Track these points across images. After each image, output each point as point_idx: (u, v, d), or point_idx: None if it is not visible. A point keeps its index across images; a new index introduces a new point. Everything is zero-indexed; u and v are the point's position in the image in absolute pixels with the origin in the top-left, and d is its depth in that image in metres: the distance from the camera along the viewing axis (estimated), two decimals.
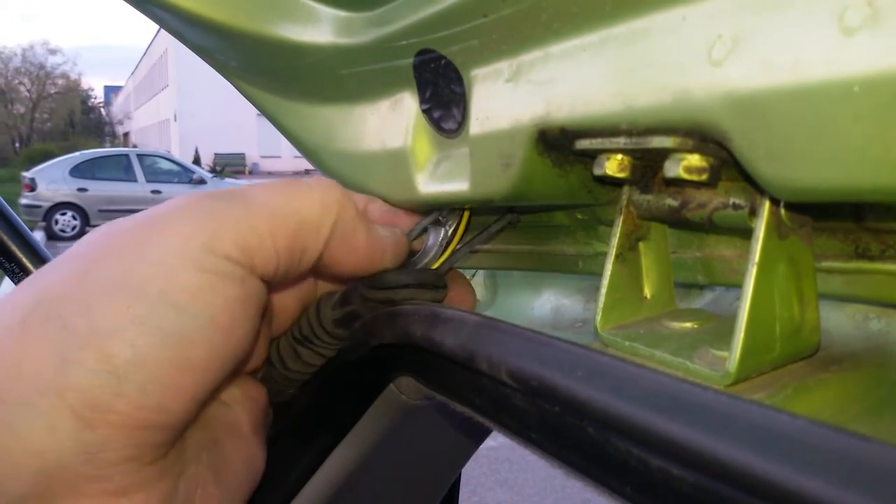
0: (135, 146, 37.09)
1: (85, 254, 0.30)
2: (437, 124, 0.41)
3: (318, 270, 0.36)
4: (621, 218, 0.36)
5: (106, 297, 0.28)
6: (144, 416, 0.28)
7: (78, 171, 12.35)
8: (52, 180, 12.17)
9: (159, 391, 0.28)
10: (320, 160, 0.52)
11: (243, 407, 0.37)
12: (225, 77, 0.55)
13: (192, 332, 0.29)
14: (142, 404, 0.28)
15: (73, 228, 11.99)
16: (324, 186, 0.35)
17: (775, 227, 0.29)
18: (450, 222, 0.43)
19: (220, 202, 0.31)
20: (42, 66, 46.72)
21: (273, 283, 0.34)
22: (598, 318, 0.36)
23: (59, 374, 0.27)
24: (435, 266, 0.42)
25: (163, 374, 0.28)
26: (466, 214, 0.44)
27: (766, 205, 0.29)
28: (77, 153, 13.57)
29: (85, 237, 0.32)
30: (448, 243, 0.43)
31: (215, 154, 29.98)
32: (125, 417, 0.28)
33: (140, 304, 0.28)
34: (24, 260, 0.72)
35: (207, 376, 0.30)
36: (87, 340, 0.27)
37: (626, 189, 0.36)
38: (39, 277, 0.30)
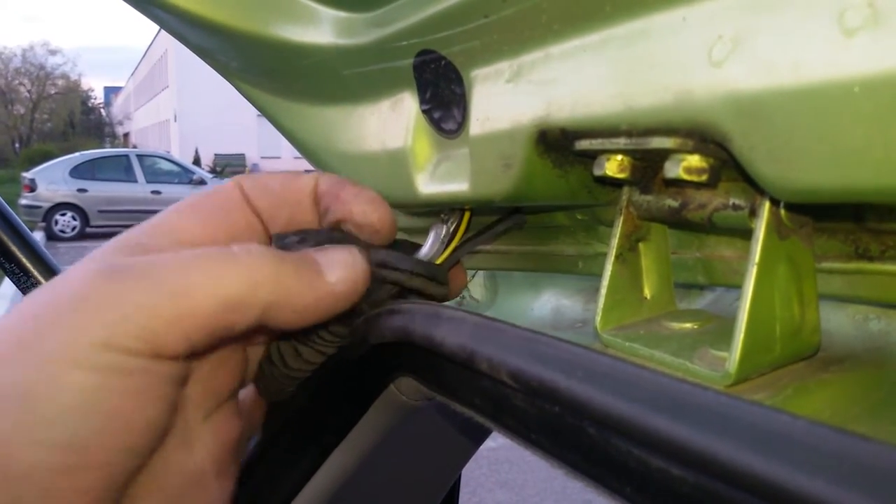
0: (135, 147, 37.07)
1: (25, 313, 0.28)
2: (437, 125, 0.41)
3: (263, 329, 0.33)
4: (621, 218, 0.36)
5: (8, 405, 0.26)
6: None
7: (78, 171, 12.35)
8: (51, 181, 12.18)
9: (61, 497, 0.27)
10: (320, 161, 0.52)
11: (209, 451, 0.35)
12: (225, 78, 0.55)
13: (85, 434, 0.27)
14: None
15: (73, 229, 11.99)
16: (252, 258, 0.31)
17: (775, 228, 0.29)
18: (451, 220, 0.43)
19: (124, 285, 0.28)
20: (42, 67, 46.74)
21: (198, 355, 0.31)
22: (599, 318, 0.36)
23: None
24: (438, 262, 0.42)
25: (59, 482, 0.26)
26: (467, 214, 0.44)
27: (766, 205, 0.29)
28: (77, 154, 13.57)
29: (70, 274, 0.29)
30: (450, 241, 0.43)
31: (215, 155, 29.99)
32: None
33: (26, 413, 0.26)
34: (25, 261, 0.72)
35: (113, 469, 0.28)
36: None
37: (626, 189, 0.36)
38: None
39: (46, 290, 0.29)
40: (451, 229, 0.43)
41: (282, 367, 0.40)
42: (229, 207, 0.36)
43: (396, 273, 0.38)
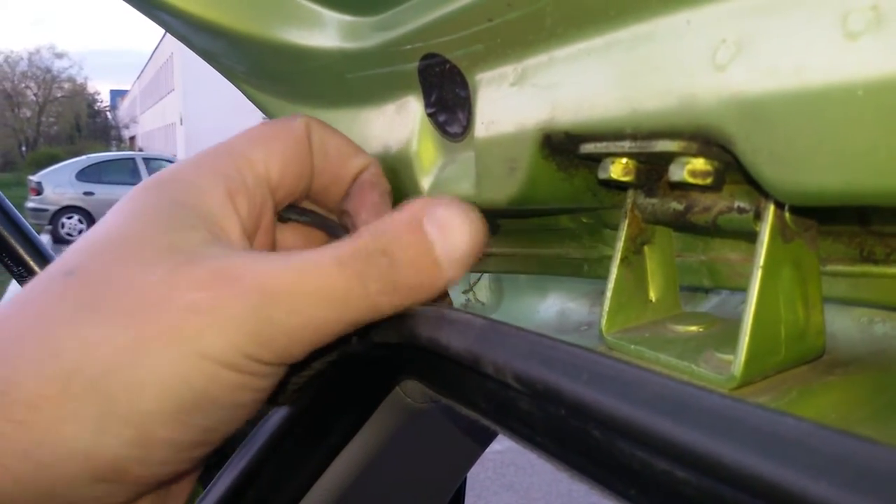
0: (141, 150, 37.11)
1: (136, 314, 0.29)
2: (442, 128, 0.41)
3: None
4: (626, 221, 0.36)
5: (153, 383, 0.28)
6: (158, 479, 0.30)
7: (84, 174, 12.39)
8: (58, 184, 12.22)
9: (176, 463, 0.30)
10: None
11: None
12: (231, 81, 0.55)
13: (220, 422, 0.30)
14: (158, 472, 0.30)
15: (80, 232, 11.98)
16: (375, 286, 0.31)
17: (780, 231, 0.29)
18: None
19: (270, 309, 0.29)
20: (49, 70, 46.88)
21: None
22: (604, 321, 0.36)
23: (94, 442, 0.28)
24: None
25: (185, 451, 0.30)
26: None
27: (771, 208, 0.29)
28: (83, 157, 13.62)
29: (147, 281, 0.30)
30: None
31: None
32: (140, 478, 0.29)
33: (184, 396, 0.29)
34: (32, 263, 0.72)
35: (217, 445, 0.32)
36: (128, 418, 0.28)
37: (630, 193, 0.36)
38: (85, 324, 0.29)
39: (206, 283, 0.30)
40: None
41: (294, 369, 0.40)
42: (300, 154, 0.38)
43: None
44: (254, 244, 0.37)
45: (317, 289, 0.30)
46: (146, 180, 0.35)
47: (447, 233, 0.32)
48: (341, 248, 0.31)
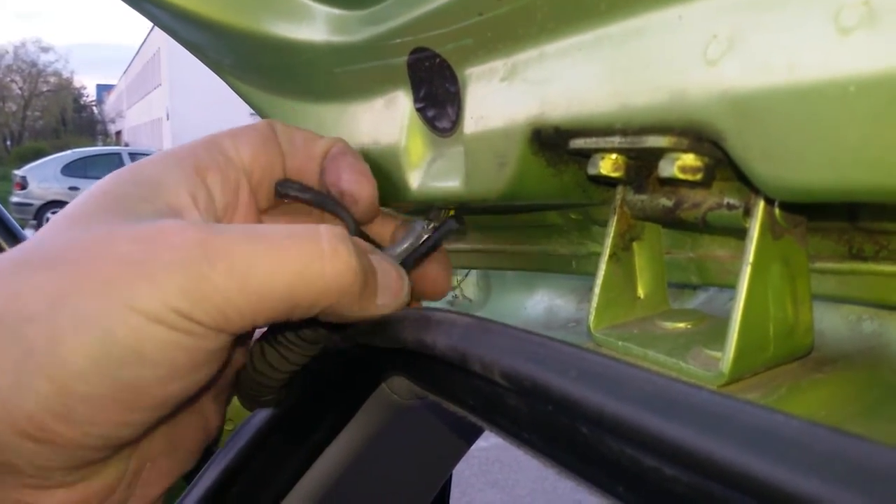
0: (127, 145, 36.95)
1: (66, 264, 0.29)
2: (431, 123, 0.41)
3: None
4: (615, 217, 0.36)
5: (73, 332, 0.27)
6: (89, 441, 0.29)
7: (70, 169, 12.31)
8: (43, 178, 12.14)
9: (106, 424, 0.29)
10: None
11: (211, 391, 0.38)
12: (218, 75, 0.55)
13: (150, 381, 0.29)
14: (87, 432, 0.29)
15: None
16: (336, 263, 0.31)
17: (769, 227, 0.29)
18: (433, 222, 0.43)
19: (205, 265, 0.29)
20: (34, 64, 46.52)
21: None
22: (592, 317, 0.36)
23: (12, 392, 0.27)
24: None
25: (111, 412, 0.29)
26: (451, 213, 0.44)
27: (761, 205, 0.29)
28: (69, 151, 13.54)
29: (84, 236, 0.30)
30: (425, 241, 0.42)
31: None
32: (69, 440, 0.28)
33: (106, 349, 0.28)
34: None
35: (158, 412, 0.31)
36: (45, 369, 0.27)
37: (620, 189, 0.36)
38: (15, 276, 0.29)
39: (143, 237, 0.30)
40: (430, 228, 0.43)
41: (268, 371, 0.39)
42: (266, 141, 0.40)
43: None
44: (232, 222, 0.37)
45: (263, 255, 0.30)
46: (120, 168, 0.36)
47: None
48: (302, 225, 0.32)
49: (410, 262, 0.41)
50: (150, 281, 0.28)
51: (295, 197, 0.40)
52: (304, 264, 0.31)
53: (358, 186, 0.40)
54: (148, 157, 0.36)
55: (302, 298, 0.31)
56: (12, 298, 0.28)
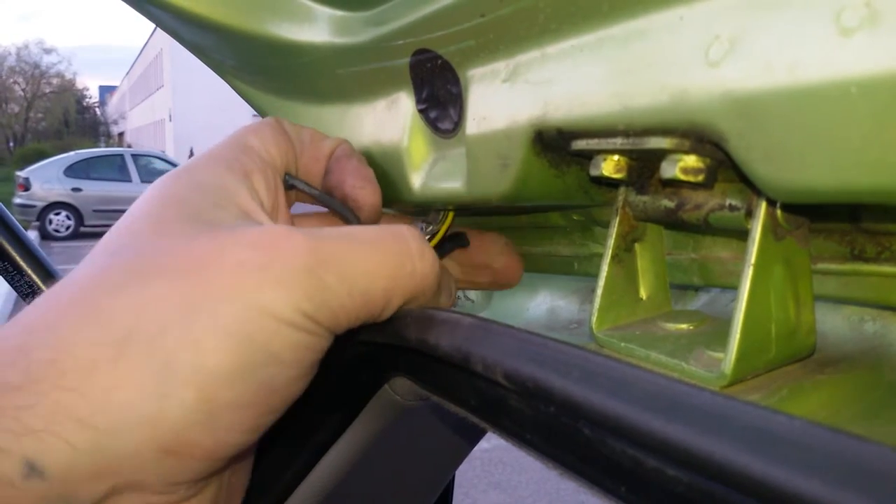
0: (129, 146, 36.97)
1: (188, 273, 0.29)
2: (433, 124, 0.41)
3: None
4: (617, 219, 0.36)
5: (214, 339, 0.27)
6: (224, 451, 0.29)
7: (72, 170, 12.30)
8: (46, 180, 12.12)
9: (240, 431, 0.29)
10: None
11: None
12: (221, 76, 0.55)
13: (283, 383, 0.30)
14: (226, 442, 0.29)
15: (67, 228, 11.95)
16: (423, 264, 0.34)
17: (771, 229, 0.29)
18: (431, 224, 0.44)
19: (321, 269, 0.30)
20: (37, 66, 46.58)
21: None
22: (594, 319, 0.36)
23: (156, 406, 0.27)
24: None
25: (250, 417, 0.29)
26: (451, 215, 0.44)
27: (763, 206, 0.29)
28: (72, 153, 13.52)
29: (191, 245, 0.30)
30: (429, 240, 0.43)
31: None
32: (208, 452, 0.28)
33: (248, 353, 0.28)
34: (19, 259, 0.72)
35: (278, 415, 0.31)
36: (190, 378, 0.27)
37: (622, 190, 0.36)
38: (135, 288, 0.29)
39: (258, 243, 0.30)
40: (431, 230, 0.43)
41: None
42: (284, 139, 0.41)
43: None
44: (278, 221, 0.38)
45: (365, 258, 0.32)
46: (169, 172, 0.36)
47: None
48: (386, 226, 0.34)
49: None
50: (280, 285, 0.29)
51: (301, 192, 0.41)
52: (398, 265, 0.33)
53: (362, 192, 0.41)
54: (189, 163, 0.36)
55: (394, 297, 0.33)
56: (140, 313, 0.28)
